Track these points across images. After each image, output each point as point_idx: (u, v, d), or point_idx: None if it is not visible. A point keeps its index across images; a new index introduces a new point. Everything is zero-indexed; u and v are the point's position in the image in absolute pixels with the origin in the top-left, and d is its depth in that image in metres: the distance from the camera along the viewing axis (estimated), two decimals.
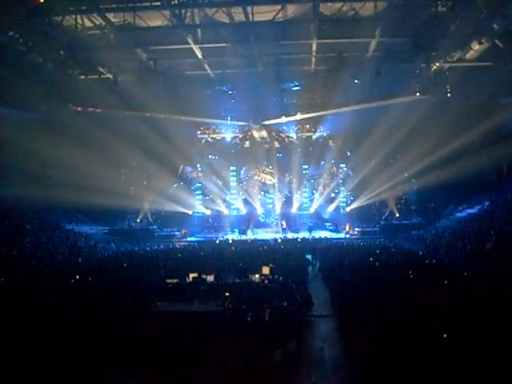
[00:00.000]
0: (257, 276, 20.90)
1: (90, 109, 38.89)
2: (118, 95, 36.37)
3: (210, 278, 20.49)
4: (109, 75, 34.90)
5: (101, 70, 34.31)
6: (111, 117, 40.22)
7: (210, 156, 54.41)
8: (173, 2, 27.14)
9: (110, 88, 35.22)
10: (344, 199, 52.38)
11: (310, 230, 48.51)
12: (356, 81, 36.23)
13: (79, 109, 38.54)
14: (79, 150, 39.28)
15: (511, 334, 11.56)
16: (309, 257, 32.69)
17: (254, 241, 43.48)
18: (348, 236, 46.11)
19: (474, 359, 10.54)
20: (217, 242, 43.22)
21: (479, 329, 12.12)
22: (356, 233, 46.79)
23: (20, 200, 36.58)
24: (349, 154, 52.30)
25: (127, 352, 13.21)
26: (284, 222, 49.40)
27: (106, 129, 39.54)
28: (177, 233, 48.93)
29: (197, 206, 52.64)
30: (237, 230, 49.88)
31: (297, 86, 40.46)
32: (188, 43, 30.76)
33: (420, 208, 49.17)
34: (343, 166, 53.09)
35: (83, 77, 34.67)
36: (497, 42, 29.54)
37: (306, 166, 52.90)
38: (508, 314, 13.08)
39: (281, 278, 21.08)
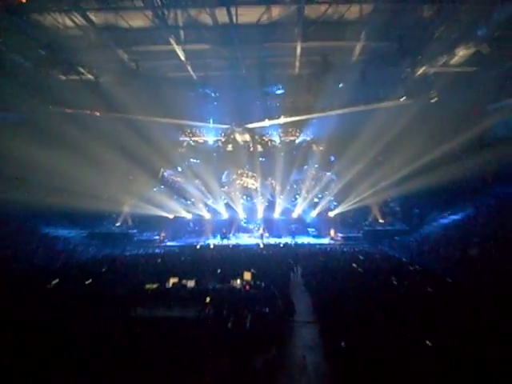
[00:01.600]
0: (238, 282, 20.94)
1: (70, 110, 38.67)
2: (100, 96, 36.25)
3: (191, 284, 20.49)
4: (90, 76, 34.79)
5: (82, 70, 34.19)
6: (92, 118, 40.02)
7: (191, 159, 54.34)
8: (155, 3, 27.17)
9: (92, 89, 35.14)
10: (327, 204, 52.33)
11: (293, 235, 48.47)
12: (341, 85, 36.40)
13: (60, 110, 38.31)
14: (59, 151, 39.00)
15: (496, 341, 11.65)
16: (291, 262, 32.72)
17: (236, 246, 43.37)
18: (332, 241, 46.14)
19: (458, 368, 10.62)
20: (198, 246, 43.00)
21: (464, 336, 12.20)
22: (340, 238, 46.86)
23: None
24: (332, 158, 52.49)
25: (104, 358, 13.11)
26: (262, 229, 49.13)
27: (86, 131, 39.43)
28: (157, 237, 48.75)
29: (178, 210, 52.42)
30: (218, 235, 49.74)
31: (280, 89, 40.36)
32: (171, 44, 30.76)
33: (404, 214, 49.24)
34: (327, 170, 53.21)
35: (64, 77, 34.59)
36: (481, 47, 29.83)
37: (289, 171, 52.94)
38: (492, 322, 13.19)
39: (263, 284, 21.11)
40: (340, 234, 47.37)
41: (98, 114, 39.32)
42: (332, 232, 47.53)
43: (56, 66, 32.58)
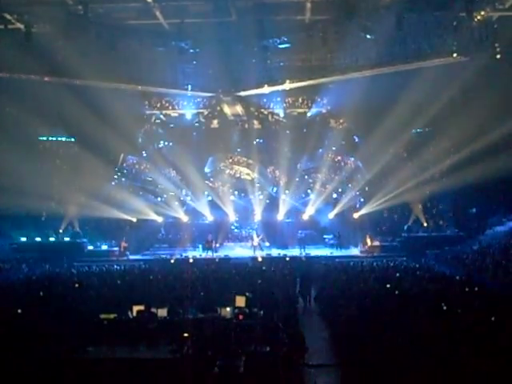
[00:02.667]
0: (228, 309, 20.92)
1: None
2: (33, 54, 36.11)
3: (162, 313, 20.47)
4: (19, 25, 34.63)
5: (8, 17, 34.03)
6: (24, 84, 39.95)
7: (162, 141, 54.29)
8: None
9: (22, 43, 34.97)
10: (351, 202, 52.20)
11: (303, 244, 48.38)
12: (368, 36, 36.24)
13: None
14: None
15: None
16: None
17: (225, 260, 43.54)
18: (365, 254, 46.02)
19: None
20: (172, 261, 43.11)
21: None
22: (380, 248, 46.52)
23: None
24: (357, 139, 52.51)
25: None
26: (257, 238, 48.65)
27: (14, 100, 39.34)
28: (115, 248, 48.60)
29: (144, 211, 52.27)
30: (200, 245, 49.79)
31: (285, 42, 40.06)
32: None
33: (456, 216, 49.16)
34: (350, 155, 53.17)
35: None
36: None
37: (298, 156, 52.91)
38: None
39: (261, 313, 21.11)
40: (379, 243, 46.98)
41: (30, 77, 39.20)
42: (370, 239, 47.07)
43: None
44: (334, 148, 52.41)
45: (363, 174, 50.91)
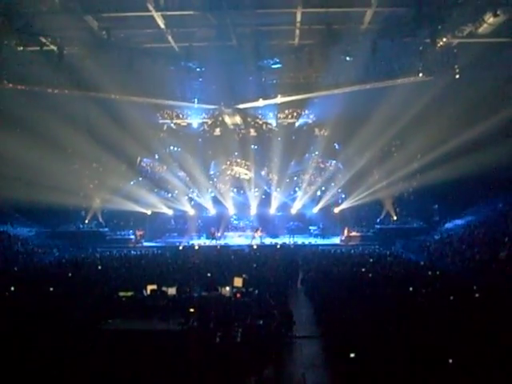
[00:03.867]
0: (227, 289, 20.89)
1: (29, 87, 38.41)
2: (64, 71, 36.04)
3: (172, 291, 20.43)
4: (53, 47, 34.46)
5: (43, 40, 33.86)
6: (56, 97, 39.80)
7: (173, 145, 54.25)
8: None
9: (55, 62, 34.83)
10: (332, 198, 52.12)
11: (292, 234, 48.55)
12: (348, 58, 36.12)
13: (17, 86, 38.05)
14: (16, 136, 38.86)
15: None
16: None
17: (225, 247, 43.49)
18: (344, 242, 46.09)
19: None
20: (180, 247, 42.98)
21: (489, 352, 12.15)
22: (357, 238, 46.66)
23: None
24: (337, 147, 52.58)
25: (71, 378, 13.00)
26: (258, 232, 48.16)
27: (48, 111, 39.19)
28: (132, 236, 48.58)
29: (157, 205, 52.22)
30: (204, 234, 49.84)
31: (277, 63, 39.92)
32: (148, 10, 30.51)
33: (422, 210, 49.07)
34: (332, 158, 53.19)
35: (22, 48, 34.17)
36: None
37: (288, 159, 52.91)
38: None
39: (256, 292, 21.09)
40: (356, 233, 47.08)
41: (62, 91, 39.10)
42: (347, 231, 47.10)
43: (12, 34, 32.17)
44: (316, 152, 52.42)
45: (344, 174, 50.90)
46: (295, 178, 53.76)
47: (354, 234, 46.79)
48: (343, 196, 51.59)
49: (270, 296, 20.17)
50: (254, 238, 47.27)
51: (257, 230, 47.95)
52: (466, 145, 38.33)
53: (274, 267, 29.49)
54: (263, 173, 54.02)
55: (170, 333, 15.42)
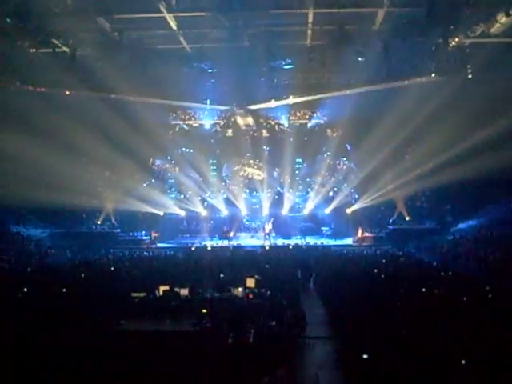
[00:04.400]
0: (240, 290, 20.88)
1: (42, 88, 38.51)
2: (77, 72, 35.96)
3: (184, 292, 20.42)
4: (65, 48, 34.48)
5: (55, 42, 33.85)
6: (68, 99, 39.89)
7: (185, 146, 54.31)
8: None
9: (67, 64, 34.79)
10: (345, 199, 52.03)
11: (304, 235, 48.61)
12: (360, 58, 35.96)
13: (29, 88, 38.16)
14: (30, 137, 38.95)
15: None
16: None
17: (237, 248, 43.49)
18: (356, 243, 46.21)
19: None
20: (192, 248, 43.07)
21: (503, 355, 12.07)
22: (370, 238, 46.60)
23: None
24: (349, 147, 52.49)
25: (83, 379, 13.02)
26: (269, 225, 48.52)
27: (61, 113, 39.28)
28: (145, 237, 48.67)
29: (169, 206, 52.29)
30: (217, 235, 49.82)
31: (289, 63, 39.71)
32: (160, 11, 30.50)
33: (435, 210, 48.98)
34: (344, 159, 53.16)
35: (34, 50, 34.28)
36: None
37: (300, 160, 52.96)
38: None
39: (268, 293, 21.07)
40: (369, 234, 47.01)
41: (74, 93, 39.19)
42: (361, 232, 47.09)
43: (25, 36, 32.22)
44: (328, 153, 52.45)
45: (356, 174, 50.86)
46: (307, 178, 53.75)
47: (367, 234, 46.75)
48: (356, 196, 51.54)
49: (282, 297, 20.17)
50: (265, 234, 47.26)
51: (268, 223, 47.96)
52: (480, 145, 38.18)
53: (287, 268, 29.51)
54: (275, 174, 54.03)
55: (182, 334, 15.40)
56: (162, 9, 30.07)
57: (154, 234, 48.69)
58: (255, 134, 52.56)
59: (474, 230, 39.62)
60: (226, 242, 46.97)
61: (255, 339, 14.83)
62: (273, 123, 52.30)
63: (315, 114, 51.18)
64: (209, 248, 42.87)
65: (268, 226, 47.37)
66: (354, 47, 34.06)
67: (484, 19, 30.52)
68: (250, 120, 49.45)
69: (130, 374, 12.91)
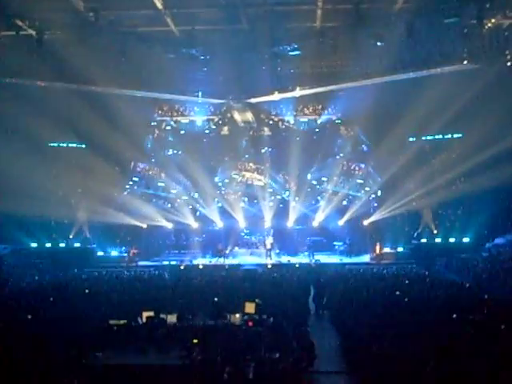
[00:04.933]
0: (237, 316, 20.91)
1: (3, 78, 38.56)
2: (44, 59, 36.06)
3: (172, 319, 20.47)
4: (31, 31, 34.53)
5: (19, 23, 33.91)
6: (35, 90, 39.92)
7: (173, 147, 54.28)
8: None
9: (33, 49, 34.92)
10: (361, 209, 51.75)
11: (313, 251, 48.39)
12: (379, 43, 36.06)
13: None
14: None
15: None
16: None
17: (234, 266, 43.52)
18: (375, 261, 45.96)
19: None
20: (181, 267, 43.10)
21: None
22: (391, 255, 46.49)
23: None
24: (366, 148, 52.40)
25: None
26: (269, 240, 48.60)
27: (26, 107, 39.33)
28: (125, 254, 48.55)
29: (154, 218, 52.13)
30: (210, 252, 49.75)
31: (296, 49, 39.74)
32: None
33: (467, 223, 48.70)
34: (361, 161, 53.06)
35: None
36: None
37: (309, 162, 52.88)
38: None
39: (271, 320, 21.08)
40: (389, 250, 46.86)
41: (41, 83, 39.21)
42: (379, 247, 47.00)
43: None
44: (342, 155, 52.35)
45: (375, 179, 50.75)
46: (317, 185, 53.62)
47: (386, 250, 46.61)
48: (374, 205, 51.38)
49: (287, 324, 20.17)
50: (266, 250, 47.11)
51: (269, 236, 47.92)
52: None
53: (292, 290, 29.49)
54: (279, 179, 53.99)
55: (169, 368, 15.40)
56: None
57: (132, 251, 48.38)
58: (255, 133, 52.53)
59: None
60: (220, 260, 47.02)
61: (255, 375, 14.83)
62: (276, 119, 52.21)
63: (326, 109, 51.12)
64: (200, 267, 42.96)
65: (270, 241, 47.20)
66: (371, 30, 34.11)
67: None
68: (249, 116, 49.42)
69: None
